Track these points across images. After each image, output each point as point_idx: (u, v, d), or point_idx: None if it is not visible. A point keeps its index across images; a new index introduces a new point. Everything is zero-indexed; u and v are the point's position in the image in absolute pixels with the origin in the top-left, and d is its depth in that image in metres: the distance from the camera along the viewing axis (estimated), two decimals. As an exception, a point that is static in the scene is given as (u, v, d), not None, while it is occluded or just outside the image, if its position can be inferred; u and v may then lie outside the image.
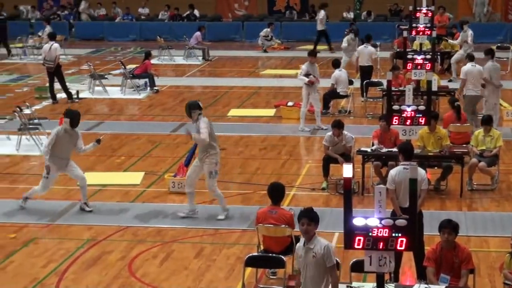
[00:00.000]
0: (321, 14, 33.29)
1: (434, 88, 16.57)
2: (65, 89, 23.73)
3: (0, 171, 16.85)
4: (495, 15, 39.04)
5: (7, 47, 33.10)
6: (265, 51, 34.13)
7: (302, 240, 8.98)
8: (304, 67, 19.80)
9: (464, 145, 15.82)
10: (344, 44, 26.89)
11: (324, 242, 8.86)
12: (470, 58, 19.98)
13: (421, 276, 10.45)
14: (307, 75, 19.43)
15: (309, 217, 8.92)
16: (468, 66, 19.46)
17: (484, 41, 31.13)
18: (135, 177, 16.21)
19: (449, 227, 9.75)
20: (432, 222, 11.69)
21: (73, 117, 14.02)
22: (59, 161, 14.00)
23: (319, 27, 33.37)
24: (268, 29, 34.52)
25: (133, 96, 24.66)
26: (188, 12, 39.49)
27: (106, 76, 26.35)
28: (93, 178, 16.09)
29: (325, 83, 22.15)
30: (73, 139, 14.07)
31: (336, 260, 8.88)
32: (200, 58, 31.98)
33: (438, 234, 9.89)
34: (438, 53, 25.94)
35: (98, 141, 14.43)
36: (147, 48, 30.92)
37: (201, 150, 13.71)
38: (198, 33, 32.27)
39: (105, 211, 14.29)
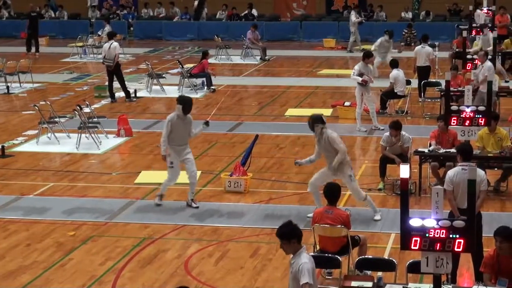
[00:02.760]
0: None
1: (495, 88, 16.36)
2: (124, 88, 23.93)
3: (60, 169, 17.06)
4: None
5: (34, 44, 33.61)
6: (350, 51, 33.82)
7: None
8: (357, 67, 19.58)
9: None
10: (376, 44, 26.63)
11: (303, 260, 8.53)
12: None
13: (479, 278, 10.31)
14: (360, 75, 19.32)
15: (278, 235, 8.70)
16: None
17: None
18: (192, 176, 16.26)
19: (501, 236, 9.42)
20: (492, 224, 11.55)
21: (185, 103, 14.20)
22: (177, 148, 14.25)
23: None
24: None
25: (190, 95, 24.67)
26: (246, 12, 39.57)
27: (163, 75, 26.55)
28: (150, 176, 16.24)
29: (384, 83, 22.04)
30: (186, 125, 14.27)
31: (308, 283, 8.42)
32: (258, 57, 31.97)
33: (497, 237, 9.74)
34: (499, 54, 25.61)
35: (207, 123, 14.69)
36: (205, 47, 31.08)
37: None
38: (248, 32, 32.22)
39: (162, 209, 14.37)
